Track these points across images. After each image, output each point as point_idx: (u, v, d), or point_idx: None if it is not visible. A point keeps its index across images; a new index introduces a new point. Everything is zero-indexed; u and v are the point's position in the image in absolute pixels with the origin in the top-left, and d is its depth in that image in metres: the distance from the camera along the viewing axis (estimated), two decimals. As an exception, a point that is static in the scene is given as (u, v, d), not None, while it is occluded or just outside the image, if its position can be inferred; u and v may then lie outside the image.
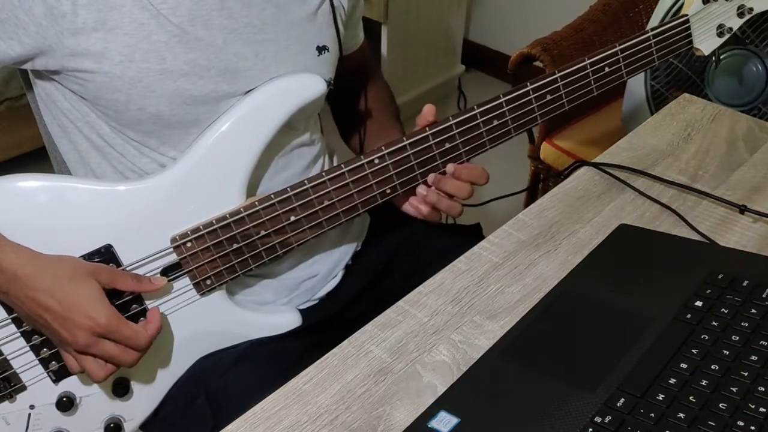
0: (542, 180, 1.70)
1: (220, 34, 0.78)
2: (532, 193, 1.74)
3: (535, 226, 0.85)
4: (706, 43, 0.95)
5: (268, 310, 0.93)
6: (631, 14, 1.64)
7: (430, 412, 0.63)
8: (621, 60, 0.90)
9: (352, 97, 1.05)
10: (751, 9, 0.95)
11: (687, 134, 0.99)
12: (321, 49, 0.86)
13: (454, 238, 1.06)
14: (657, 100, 1.36)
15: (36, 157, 1.44)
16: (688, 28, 0.93)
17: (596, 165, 0.93)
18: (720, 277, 0.72)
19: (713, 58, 1.24)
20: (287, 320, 0.92)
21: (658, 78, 1.35)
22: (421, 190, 0.85)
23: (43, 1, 0.71)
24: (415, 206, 0.88)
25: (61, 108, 0.83)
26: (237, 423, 0.65)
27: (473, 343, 0.71)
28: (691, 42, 0.94)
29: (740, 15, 0.95)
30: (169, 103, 0.78)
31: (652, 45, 0.91)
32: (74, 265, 0.74)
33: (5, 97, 2.08)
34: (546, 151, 1.63)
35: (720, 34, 0.96)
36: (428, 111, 0.85)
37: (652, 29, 0.91)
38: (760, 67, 1.20)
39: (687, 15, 0.93)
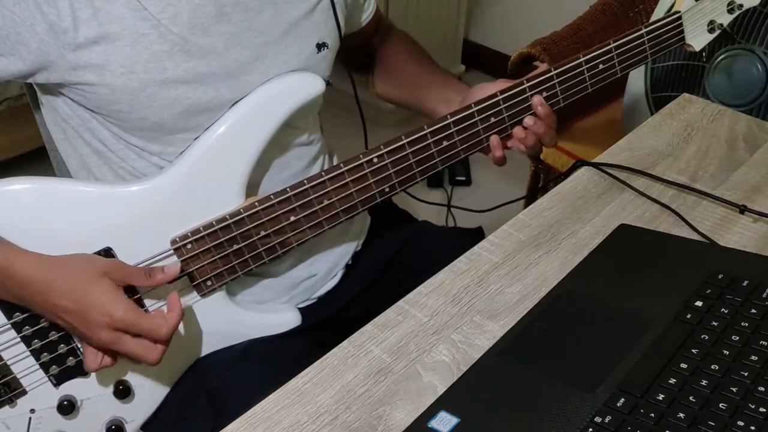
0: (542, 180, 1.70)
1: (220, 41, 0.78)
2: (532, 193, 1.73)
3: (535, 226, 0.85)
4: (697, 39, 0.96)
5: (268, 309, 0.93)
6: (630, 14, 1.64)
7: (430, 412, 0.63)
8: (615, 57, 0.90)
9: (387, 55, 1.08)
10: (741, 5, 0.96)
11: (687, 134, 0.99)
12: (320, 46, 0.86)
13: (455, 239, 1.06)
14: (657, 101, 1.36)
15: (36, 157, 1.44)
16: (681, 25, 0.94)
17: (596, 165, 0.93)
18: (720, 277, 0.72)
19: (704, 54, 1.25)
20: (287, 319, 0.92)
21: (658, 78, 1.35)
22: (519, 132, 0.89)
23: (45, 17, 0.71)
24: (516, 144, 0.91)
25: (62, 114, 0.83)
26: (237, 423, 0.65)
27: (473, 343, 0.71)
28: (683, 38, 0.95)
29: (730, 11, 0.96)
30: (171, 112, 0.78)
31: (646, 42, 0.92)
32: (86, 264, 0.73)
33: (5, 97, 2.08)
34: (546, 151, 1.62)
35: (711, 30, 0.97)
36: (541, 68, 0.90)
37: (646, 26, 0.91)
38: (760, 67, 1.20)
39: (680, 12, 0.93)
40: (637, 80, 1.38)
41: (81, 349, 0.80)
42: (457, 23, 2.67)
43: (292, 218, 0.82)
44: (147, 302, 0.80)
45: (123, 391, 0.83)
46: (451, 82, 1.00)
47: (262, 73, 0.81)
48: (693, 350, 0.64)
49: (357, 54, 1.07)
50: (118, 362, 0.78)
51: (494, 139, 0.88)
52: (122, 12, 0.73)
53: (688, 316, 0.68)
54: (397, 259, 1.03)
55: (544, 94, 0.88)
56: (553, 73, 0.88)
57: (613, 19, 1.62)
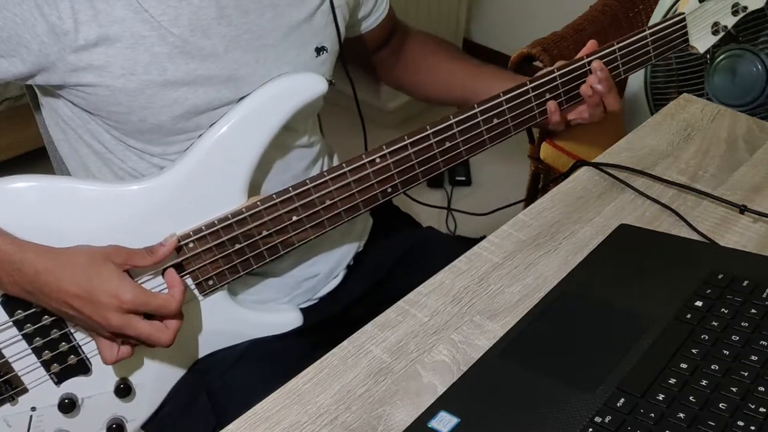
0: (542, 180, 1.70)
1: (220, 43, 0.78)
2: (532, 194, 1.73)
3: (535, 226, 0.85)
4: (701, 41, 0.96)
5: (269, 309, 0.93)
6: (630, 15, 1.64)
7: (430, 412, 0.63)
8: (619, 58, 0.90)
9: (415, 58, 1.10)
10: (745, 7, 0.96)
11: (687, 134, 0.99)
12: (319, 50, 0.86)
13: (460, 248, 1.06)
14: (657, 100, 1.36)
15: (36, 157, 1.44)
16: (685, 27, 0.94)
17: (596, 165, 0.93)
18: (720, 277, 0.72)
19: (707, 57, 1.25)
20: (289, 319, 0.92)
21: (658, 78, 1.35)
22: (586, 90, 0.90)
23: (46, 19, 0.71)
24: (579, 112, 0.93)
25: (62, 115, 0.83)
26: (237, 423, 0.65)
27: (473, 343, 0.71)
28: (687, 40, 0.95)
29: (734, 13, 0.96)
30: (171, 113, 0.78)
31: (649, 43, 0.92)
32: (89, 251, 0.74)
33: (5, 97, 2.08)
34: (546, 151, 1.62)
35: (715, 32, 0.97)
36: (591, 44, 0.91)
37: (650, 27, 0.92)
38: (759, 67, 1.20)
39: (684, 13, 0.93)
40: (637, 80, 1.38)
41: (82, 347, 0.80)
42: (458, 23, 2.67)
43: (295, 218, 0.82)
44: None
45: (124, 390, 0.83)
46: (503, 72, 1.03)
47: (262, 75, 0.81)
48: (693, 350, 0.64)
49: (374, 59, 1.07)
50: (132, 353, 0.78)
51: (552, 105, 0.90)
52: (122, 14, 0.73)
53: (688, 316, 0.68)
54: (400, 263, 1.03)
55: (547, 95, 0.88)
56: (557, 74, 0.88)
57: (613, 20, 1.62)
